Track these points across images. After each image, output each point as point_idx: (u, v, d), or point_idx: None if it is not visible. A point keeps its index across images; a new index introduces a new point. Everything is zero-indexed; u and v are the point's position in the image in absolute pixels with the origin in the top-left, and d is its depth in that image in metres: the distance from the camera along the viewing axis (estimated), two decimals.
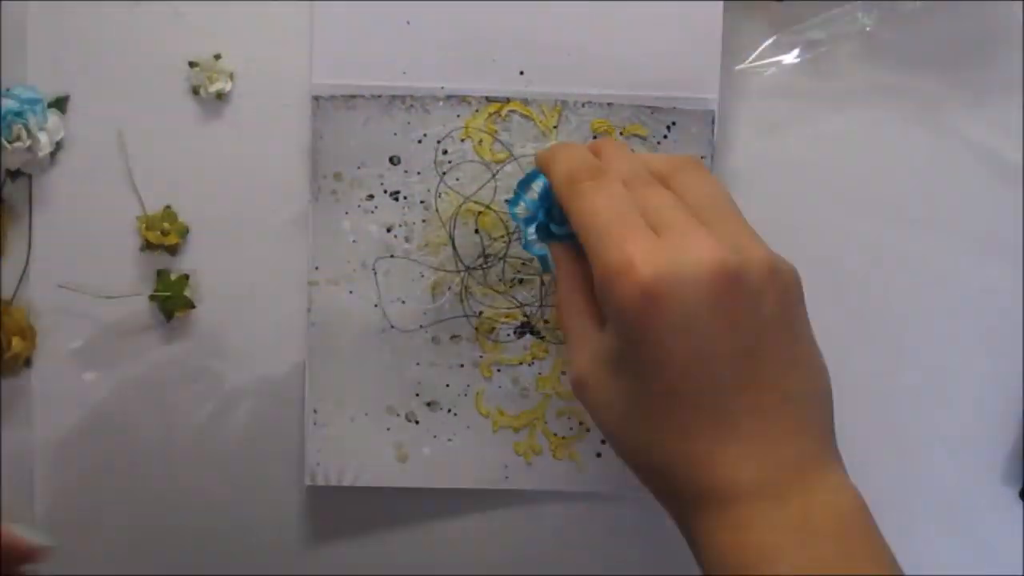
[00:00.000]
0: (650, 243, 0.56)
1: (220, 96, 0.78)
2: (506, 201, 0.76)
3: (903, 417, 0.81)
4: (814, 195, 0.81)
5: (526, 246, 0.74)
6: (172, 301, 0.78)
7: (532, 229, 0.73)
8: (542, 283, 0.78)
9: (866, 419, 0.81)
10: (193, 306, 0.78)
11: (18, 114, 0.75)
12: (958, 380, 0.82)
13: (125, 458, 0.79)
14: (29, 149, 0.76)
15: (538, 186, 0.73)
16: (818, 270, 0.80)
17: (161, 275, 0.78)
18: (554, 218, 0.73)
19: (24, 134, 0.75)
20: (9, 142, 0.75)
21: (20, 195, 0.78)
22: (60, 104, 0.77)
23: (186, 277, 0.78)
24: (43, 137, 0.76)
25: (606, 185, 0.61)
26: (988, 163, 0.81)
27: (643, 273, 0.55)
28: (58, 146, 0.77)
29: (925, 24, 0.81)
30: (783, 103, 0.81)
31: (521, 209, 0.74)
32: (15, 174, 0.77)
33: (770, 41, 0.80)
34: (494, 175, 0.77)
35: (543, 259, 0.75)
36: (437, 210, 0.77)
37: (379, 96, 0.77)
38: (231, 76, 0.78)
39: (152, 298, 0.78)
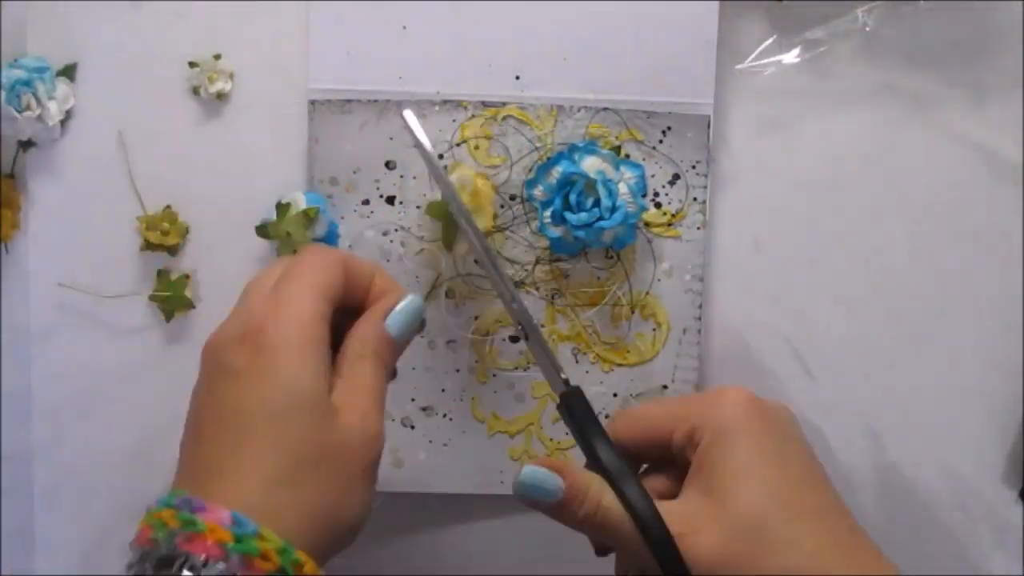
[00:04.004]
0: None
1: (220, 96, 0.78)
2: (525, 182, 0.77)
3: (903, 417, 0.81)
4: (813, 194, 0.81)
5: (541, 228, 0.75)
6: (172, 301, 0.78)
7: (548, 213, 0.74)
8: (538, 287, 0.78)
9: (866, 419, 0.81)
10: (193, 306, 0.79)
11: (26, 83, 0.75)
12: (958, 380, 0.82)
13: (123, 460, 0.80)
14: (39, 118, 0.76)
15: (557, 172, 0.74)
16: (818, 270, 0.80)
17: (161, 275, 0.78)
18: (570, 206, 0.73)
19: (34, 103, 0.75)
20: (19, 112, 0.75)
21: (30, 168, 0.78)
22: (68, 72, 0.77)
23: (186, 277, 0.78)
24: (53, 106, 0.76)
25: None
26: (988, 163, 0.81)
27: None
28: (68, 115, 0.78)
29: (925, 24, 0.80)
30: (783, 103, 0.80)
31: (539, 192, 0.75)
32: (27, 144, 0.78)
33: (770, 41, 0.80)
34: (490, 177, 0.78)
35: (556, 241, 0.76)
36: (438, 213, 0.78)
37: (375, 101, 0.77)
38: (231, 76, 0.78)
39: (152, 298, 0.78)
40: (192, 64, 0.77)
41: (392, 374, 0.66)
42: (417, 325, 0.66)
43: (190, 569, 0.51)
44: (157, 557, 0.52)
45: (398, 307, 0.64)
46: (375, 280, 0.65)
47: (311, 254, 0.64)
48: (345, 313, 0.64)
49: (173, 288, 0.78)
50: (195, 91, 0.78)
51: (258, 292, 0.62)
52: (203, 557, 0.51)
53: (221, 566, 0.51)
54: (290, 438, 0.56)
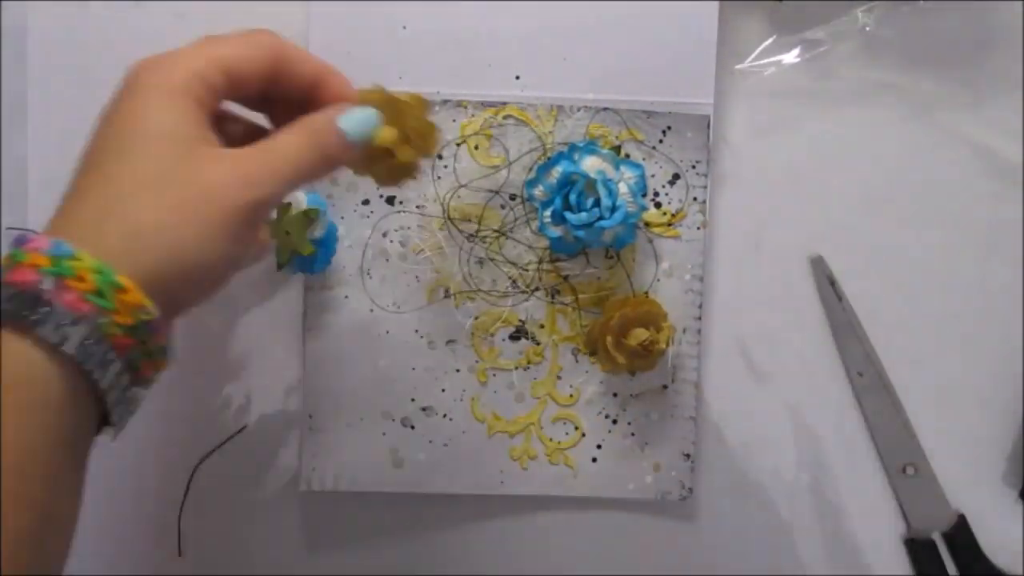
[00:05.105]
0: None
1: None
2: (526, 182, 0.77)
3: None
4: (813, 194, 0.81)
5: (541, 228, 0.75)
6: None
7: (548, 213, 0.74)
8: (538, 287, 0.78)
9: (866, 419, 0.81)
10: None
11: None
12: (958, 380, 0.82)
13: (123, 462, 0.79)
14: None
15: (557, 172, 0.74)
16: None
17: None
18: (570, 206, 0.73)
19: None
20: None
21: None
22: None
23: None
24: None
25: None
26: (988, 163, 0.81)
27: None
28: None
29: (925, 24, 0.80)
30: (783, 103, 0.81)
31: (539, 192, 0.76)
32: None
33: (770, 41, 0.80)
34: (490, 177, 0.78)
35: (556, 241, 0.76)
36: (440, 213, 0.78)
37: None
38: None
39: None
40: None
41: (326, 167, 0.60)
42: (369, 137, 0.60)
43: (8, 301, 0.49)
44: None
45: (356, 110, 0.60)
46: (326, 81, 0.61)
47: (243, 31, 0.61)
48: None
49: None
50: None
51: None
52: (17, 285, 0.49)
53: (31, 294, 0.49)
54: (134, 165, 0.54)
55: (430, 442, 0.79)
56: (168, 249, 0.53)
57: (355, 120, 0.59)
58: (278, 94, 0.61)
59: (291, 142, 0.57)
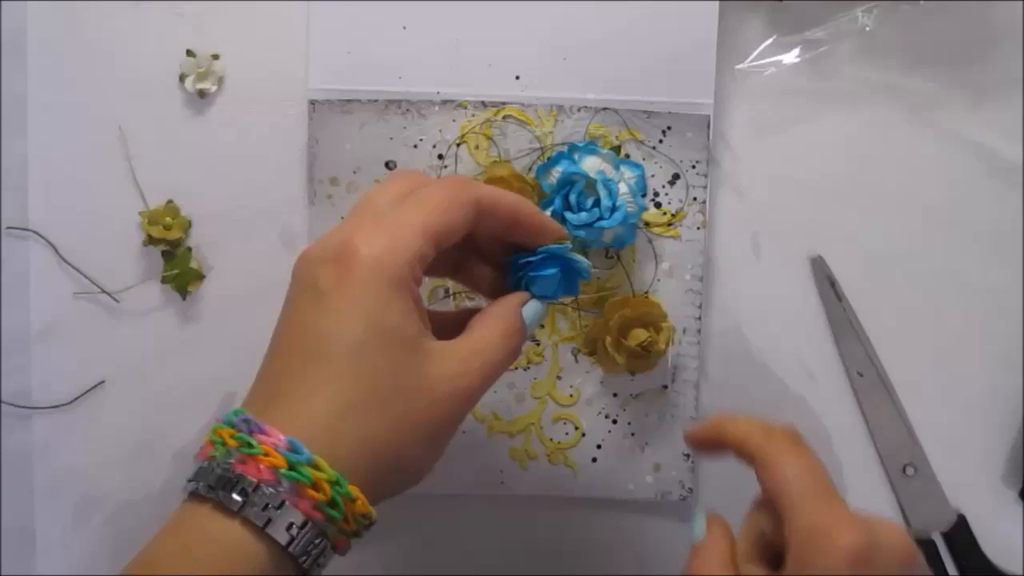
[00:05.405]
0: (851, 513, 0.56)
1: (203, 95, 0.78)
2: None
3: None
4: (813, 194, 0.81)
5: None
6: (182, 276, 0.78)
7: (548, 213, 0.74)
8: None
9: (866, 418, 0.81)
10: (203, 276, 0.79)
11: None
12: (958, 380, 0.82)
13: (122, 460, 0.79)
14: None
15: (557, 172, 0.74)
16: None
17: (166, 255, 0.78)
18: (570, 206, 0.73)
19: None
20: None
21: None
22: None
23: (189, 250, 0.78)
24: None
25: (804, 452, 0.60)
26: (988, 163, 0.81)
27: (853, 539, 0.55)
28: None
29: (925, 24, 0.80)
30: (783, 103, 0.81)
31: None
32: None
33: (770, 41, 0.80)
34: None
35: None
36: None
37: (375, 100, 0.77)
38: (220, 80, 0.78)
39: (164, 279, 0.78)
40: (189, 54, 0.77)
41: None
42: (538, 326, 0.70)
43: (240, 493, 0.51)
44: (214, 476, 0.52)
45: (532, 302, 0.63)
46: (521, 218, 0.62)
47: (443, 188, 0.59)
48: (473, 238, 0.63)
49: (179, 264, 0.78)
50: (200, 95, 0.78)
51: (368, 208, 0.59)
52: (255, 481, 0.51)
53: (271, 491, 0.51)
54: (365, 372, 0.54)
55: None
56: (397, 462, 0.56)
57: (532, 312, 0.63)
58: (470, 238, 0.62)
59: (490, 339, 0.60)
